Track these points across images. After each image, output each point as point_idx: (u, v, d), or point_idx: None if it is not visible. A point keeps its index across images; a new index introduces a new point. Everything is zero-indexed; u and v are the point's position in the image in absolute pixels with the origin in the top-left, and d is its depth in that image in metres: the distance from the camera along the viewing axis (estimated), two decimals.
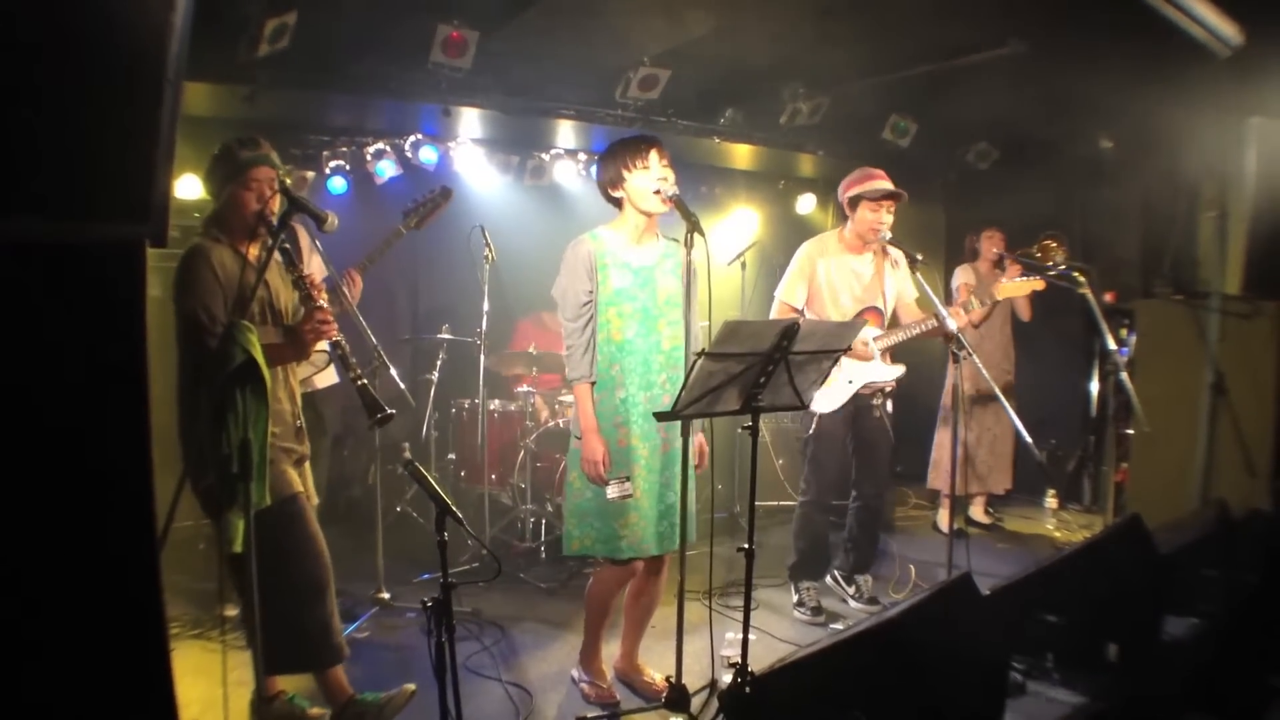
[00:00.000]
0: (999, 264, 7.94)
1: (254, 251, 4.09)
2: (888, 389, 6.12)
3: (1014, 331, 8.14)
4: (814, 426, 6.08)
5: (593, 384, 4.64)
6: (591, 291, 4.59)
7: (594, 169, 4.98)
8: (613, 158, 4.62)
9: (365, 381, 4.10)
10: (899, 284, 6.16)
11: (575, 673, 5.12)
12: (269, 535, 3.81)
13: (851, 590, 6.44)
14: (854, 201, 6.02)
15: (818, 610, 6.14)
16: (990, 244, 7.99)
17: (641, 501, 4.63)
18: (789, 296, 6.07)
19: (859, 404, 6.05)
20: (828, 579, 6.51)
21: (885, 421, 6.15)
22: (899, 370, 6.04)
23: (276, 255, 4.01)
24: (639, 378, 4.63)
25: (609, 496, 4.55)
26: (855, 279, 6.09)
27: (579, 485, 4.68)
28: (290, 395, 4.29)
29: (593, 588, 4.93)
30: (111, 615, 2.55)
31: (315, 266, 5.43)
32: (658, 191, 4.56)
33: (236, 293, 3.83)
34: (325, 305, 4.03)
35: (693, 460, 4.64)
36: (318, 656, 4.23)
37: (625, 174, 4.60)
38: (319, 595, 4.14)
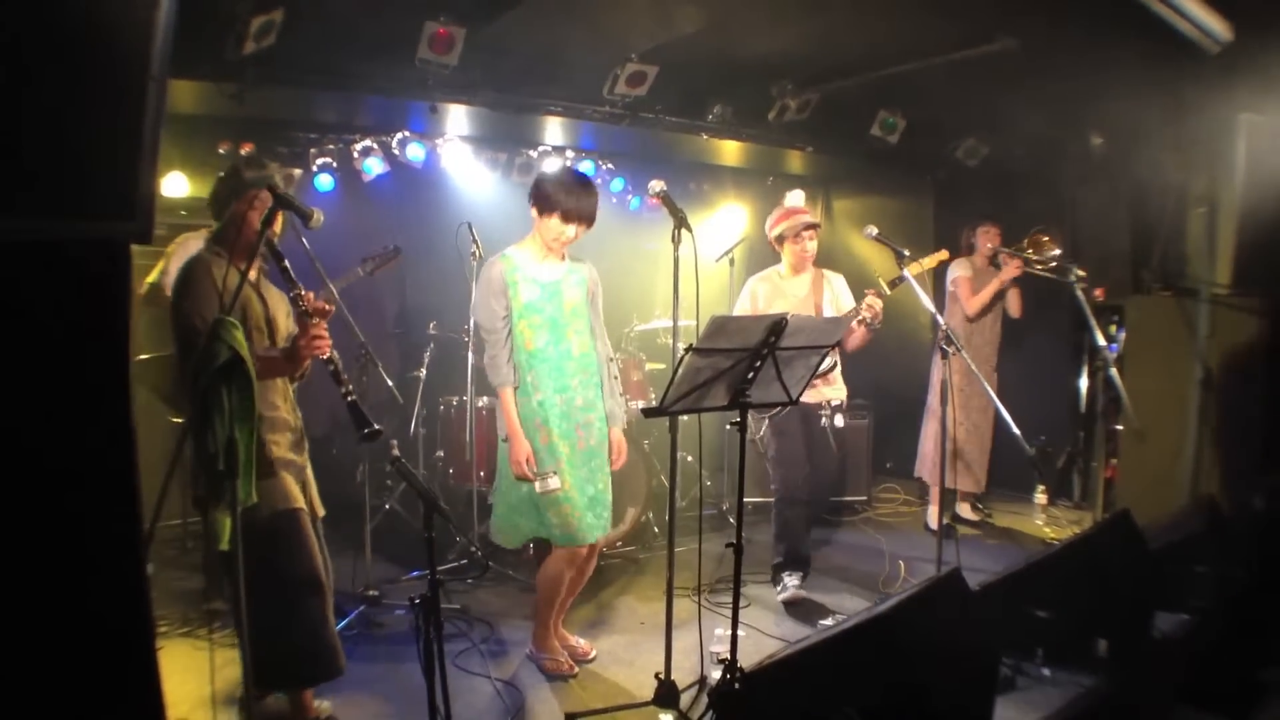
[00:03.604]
0: (994, 259, 7.93)
1: (253, 273, 4.11)
2: (833, 401, 6.46)
3: (1003, 328, 8.11)
4: (764, 428, 6.38)
5: (515, 389, 4.98)
6: (507, 307, 4.97)
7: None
8: (551, 189, 4.91)
9: (355, 398, 4.10)
10: (835, 299, 6.54)
11: (530, 650, 5.33)
12: (265, 549, 3.79)
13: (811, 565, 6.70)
14: (779, 241, 6.50)
15: (800, 588, 6.36)
16: (986, 239, 7.96)
17: (571, 494, 4.94)
18: None
19: (805, 409, 6.30)
20: None
21: (828, 435, 6.45)
22: (829, 361, 6.40)
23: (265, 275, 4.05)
24: (553, 382, 5.00)
25: (538, 490, 4.90)
26: (790, 299, 6.48)
27: (520, 481, 4.99)
28: (292, 406, 4.29)
29: (545, 571, 5.17)
30: (97, 613, 2.54)
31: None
32: (559, 241, 4.98)
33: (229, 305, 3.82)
34: (322, 321, 4.03)
35: (602, 457, 5.17)
36: (312, 672, 4.23)
37: (547, 215, 4.92)
38: (313, 611, 4.11)
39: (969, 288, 7.81)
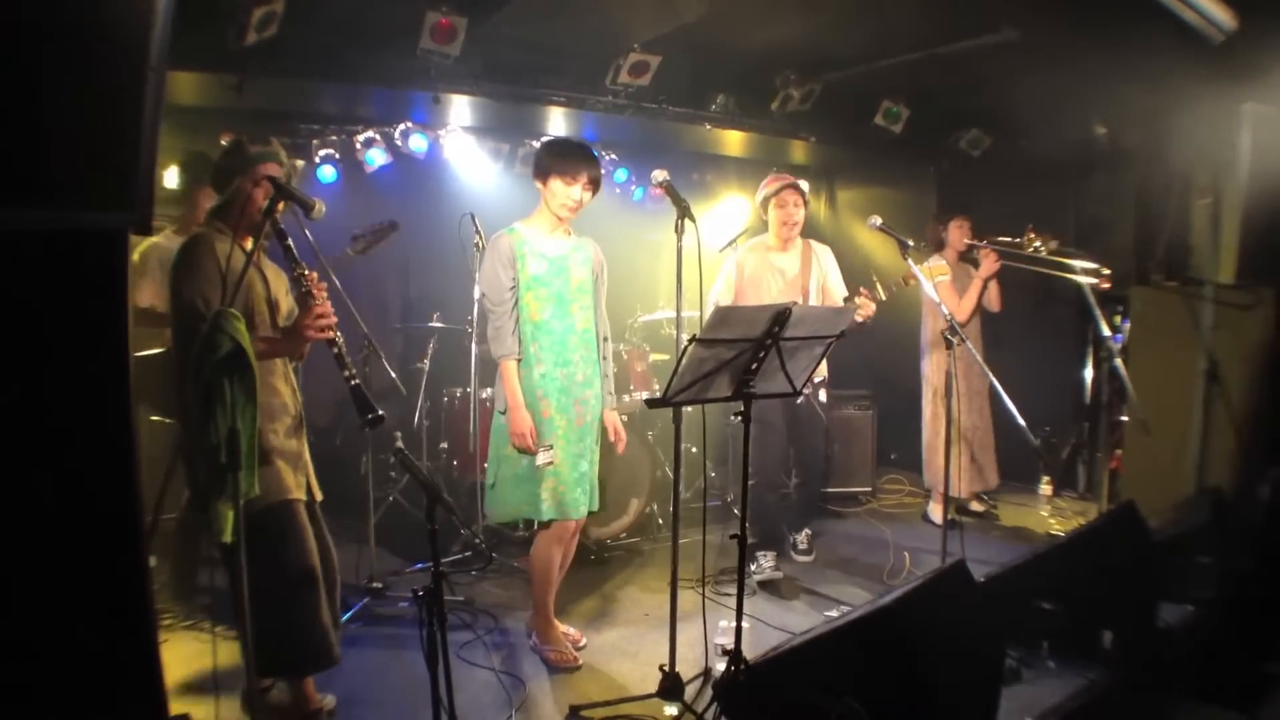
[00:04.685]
0: (968, 253, 7.86)
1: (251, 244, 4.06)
2: (816, 377, 6.37)
3: (983, 324, 8.03)
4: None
5: (518, 360, 5.01)
6: (514, 278, 4.99)
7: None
8: (552, 154, 5.01)
9: (359, 382, 4.06)
10: (824, 279, 6.59)
11: (533, 642, 5.31)
12: (257, 541, 3.78)
13: (789, 544, 6.92)
14: (764, 205, 6.55)
15: (775, 568, 6.46)
16: (959, 233, 7.81)
17: (561, 469, 5.01)
18: (722, 300, 6.50)
19: None
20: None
21: (816, 406, 6.53)
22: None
23: (264, 252, 4.03)
24: (555, 355, 5.06)
25: (538, 463, 4.96)
26: (779, 275, 6.52)
27: (514, 455, 5.02)
28: (293, 389, 4.26)
29: (536, 553, 5.19)
30: (98, 607, 2.53)
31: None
32: (566, 206, 5.01)
33: (234, 283, 3.79)
34: (325, 302, 4.01)
35: (610, 437, 5.33)
36: (306, 662, 4.21)
37: (552, 177, 4.98)
38: (307, 602, 4.09)
39: (951, 290, 7.71)
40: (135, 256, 5.69)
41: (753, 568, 6.42)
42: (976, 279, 7.55)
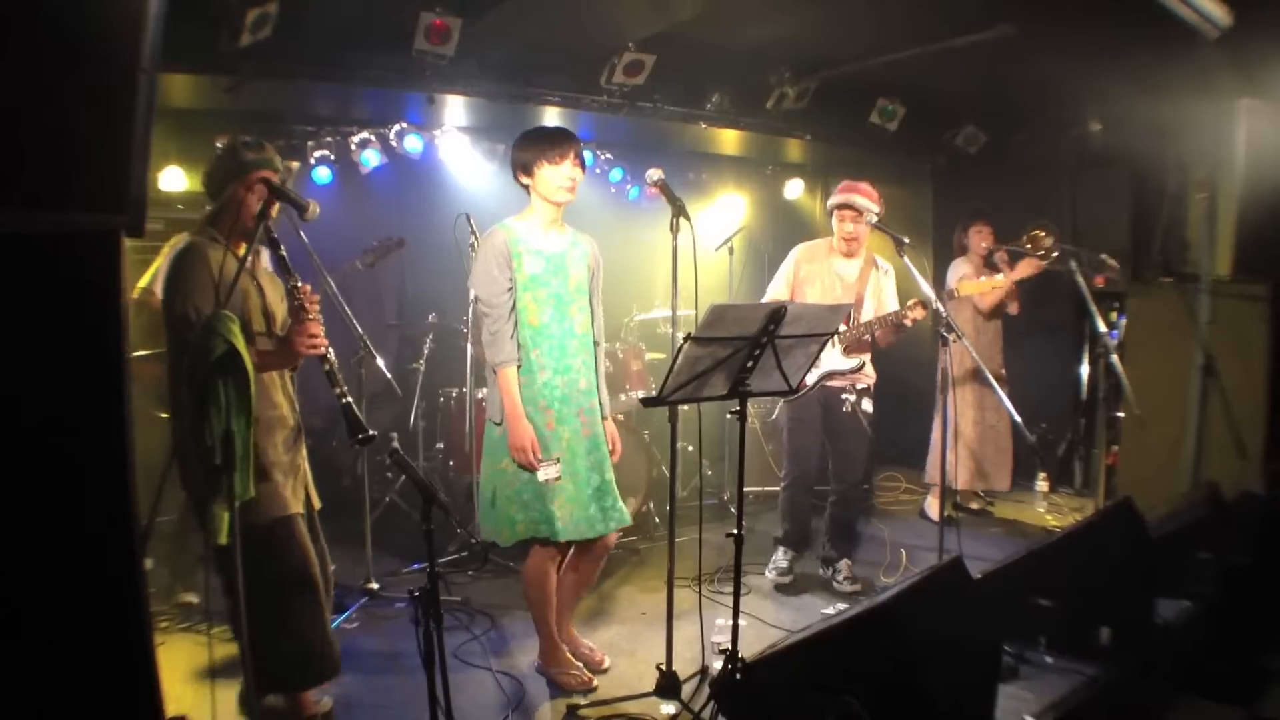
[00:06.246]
0: (989, 257, 7.87)
1: (249, 260, 4.03)
2: (859, 384, 6.26)
3: (1003, 325, 8.04)
4: (777, 411, 6.44)
5: (519, 367, 4.66)
6: (511, 279, 4.65)
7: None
8: (530, 145, 4.69)
9: (349, 400, 4.04)
10: (881, 295, 6.34)
11: (538, 665, 5.06)
12: (260, 558, 3.77)
13: (829, 573, 6.51)
14: (829, 212, 6.31)
15: (785, 572, 6.41)
16: (979, 238, 7.88)
17: (568, 484, 4.67)
18: (778, 295, 6.28)
19: (828, 395, 6.22)
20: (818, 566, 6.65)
21: (860, 418, 6.26)
22: (855, 363, 6.20)
23: (266, 262, 4.01)
24: (555, 361, 4.71)
25: (540, 479, 4.58)
26: (836, 281, 6.30)
27: (512, 471, 4.66)
28: (291, 401, 4.23)
29: (529, 574, 4.86)
30: (91, 608, 2.53)
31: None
32: (564, 188, 4.68)
33: (226, 290, 3.76)
34: (317, 318, 3.98)
35: (604, 446, 4.87)
36: (308, 676, 4.19)
37: (538, 165, 4.65)
38: (308, 617, 4.09)
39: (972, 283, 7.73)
40: (165, 247, 5.63)
41: (773, 558, 6.46)
42: (1007, 279, 7.46)
